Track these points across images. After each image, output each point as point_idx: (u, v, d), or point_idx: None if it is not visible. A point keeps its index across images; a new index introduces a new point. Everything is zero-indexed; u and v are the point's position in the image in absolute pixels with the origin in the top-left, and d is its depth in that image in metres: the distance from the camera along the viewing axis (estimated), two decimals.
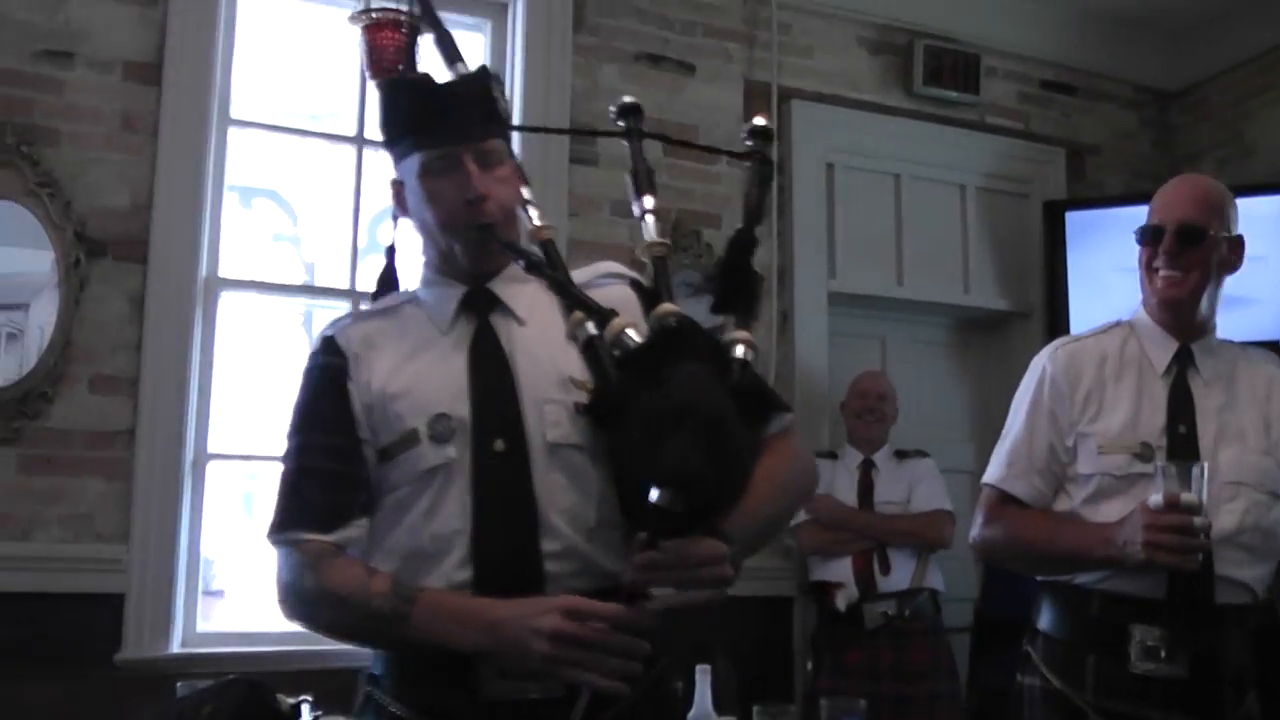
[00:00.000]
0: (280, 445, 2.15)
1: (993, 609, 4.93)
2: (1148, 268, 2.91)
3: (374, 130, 4.93)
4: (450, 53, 2.32)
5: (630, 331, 1.97)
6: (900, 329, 5.74)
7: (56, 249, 4.15)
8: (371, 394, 2.10)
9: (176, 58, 4.36)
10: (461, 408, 2.06)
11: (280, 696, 3.53)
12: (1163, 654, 2.68)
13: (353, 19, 4.31)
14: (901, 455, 4.96)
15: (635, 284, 2.25)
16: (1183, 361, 2.90)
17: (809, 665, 4.89)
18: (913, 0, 5.71)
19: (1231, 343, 3.08)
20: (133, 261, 4.26)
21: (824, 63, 5.55)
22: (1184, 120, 6.39)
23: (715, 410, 1.81)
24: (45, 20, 4.24)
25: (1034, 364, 3.06)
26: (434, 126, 2.13)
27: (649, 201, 2.17)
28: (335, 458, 2.09)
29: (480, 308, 2.17)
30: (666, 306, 2.03)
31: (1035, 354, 3.12)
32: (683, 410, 1.78)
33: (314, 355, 2.19)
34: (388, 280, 2.39)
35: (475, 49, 5.07)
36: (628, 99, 2.30)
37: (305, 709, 3.51)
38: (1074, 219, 5.75)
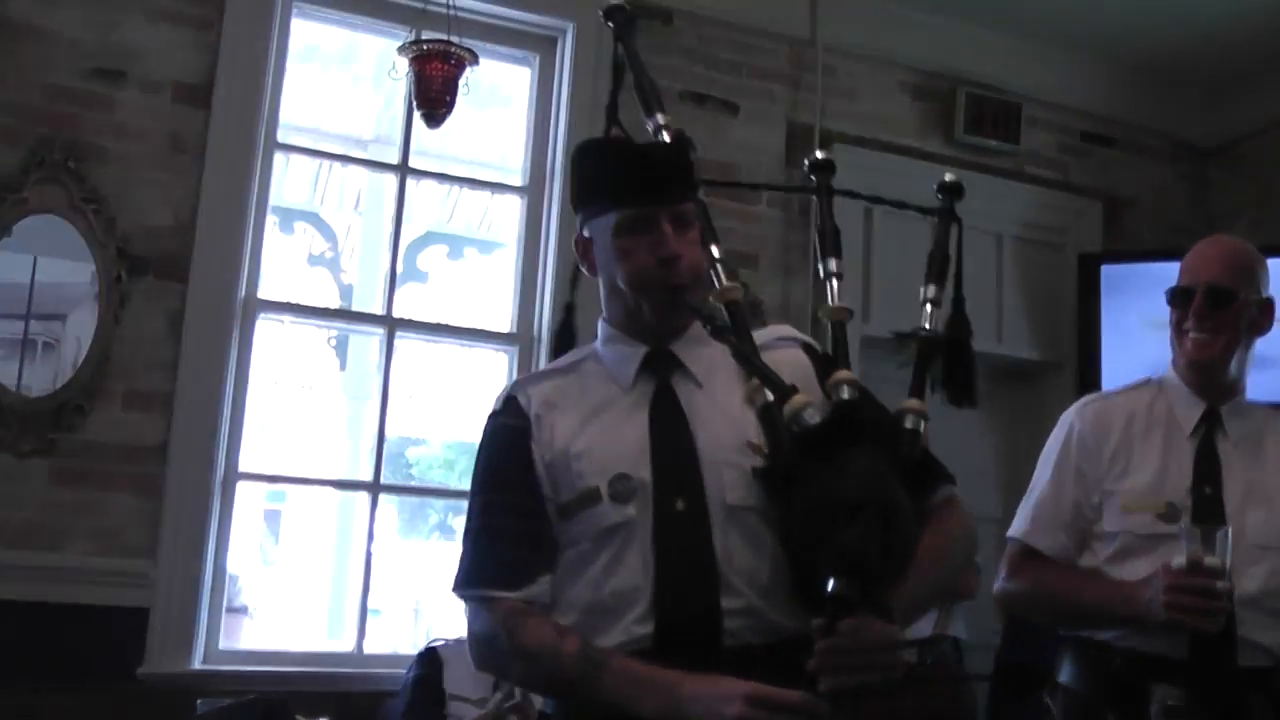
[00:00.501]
0: (465, 504, 2.22)
1: (1015, 655, 4.90)
2: (1177, 329, 2.92)
3: (417, 159, 4.97)
4: (649, 103, 2.33)
5: (809, 411, 1.98)
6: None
7: (98, 264, 4.18)
8: (554, 452, 2.15)
9: (227, 81, 4.40)
10: (642, 468, 2.10)
11: (300, 717, 3.56)
12: (1184, 714, 2.67)
13: (402, 49, 4.35)
14: None
15: (808, 348, 2.29)
16: (1210, 422, 2.90)
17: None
18: (956, 48, 5.72)
19: (1260, 405, 3.08)
20: (173, 280, 4.28)
21: (866, 107, 5.57)
22: (1221, 177, 6.37)
23: (890, 500, 1.85)
24: (99, 39, 4.28)
25: (1062, 419, 3.07)
26: (633, 186, 2.16)
27: (833, 264, 2.19)
28: (520, 517, 2.14)
29: (661, 369, 2.21)
30: (843, 374, 2.06)
31: (1065, 405, 3.14)
32: (861, 502, 1.82)
33: (495, 415, 2.26)
34: (566, 337, 2.49)
35: (522, 83, 5.11)
36: (820, 154, 2.34)
37: None
38: (1109, 272, 5.74)
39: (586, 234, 2.27)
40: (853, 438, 1.93)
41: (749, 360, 2.09)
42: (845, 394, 2.01)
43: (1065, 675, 2.94)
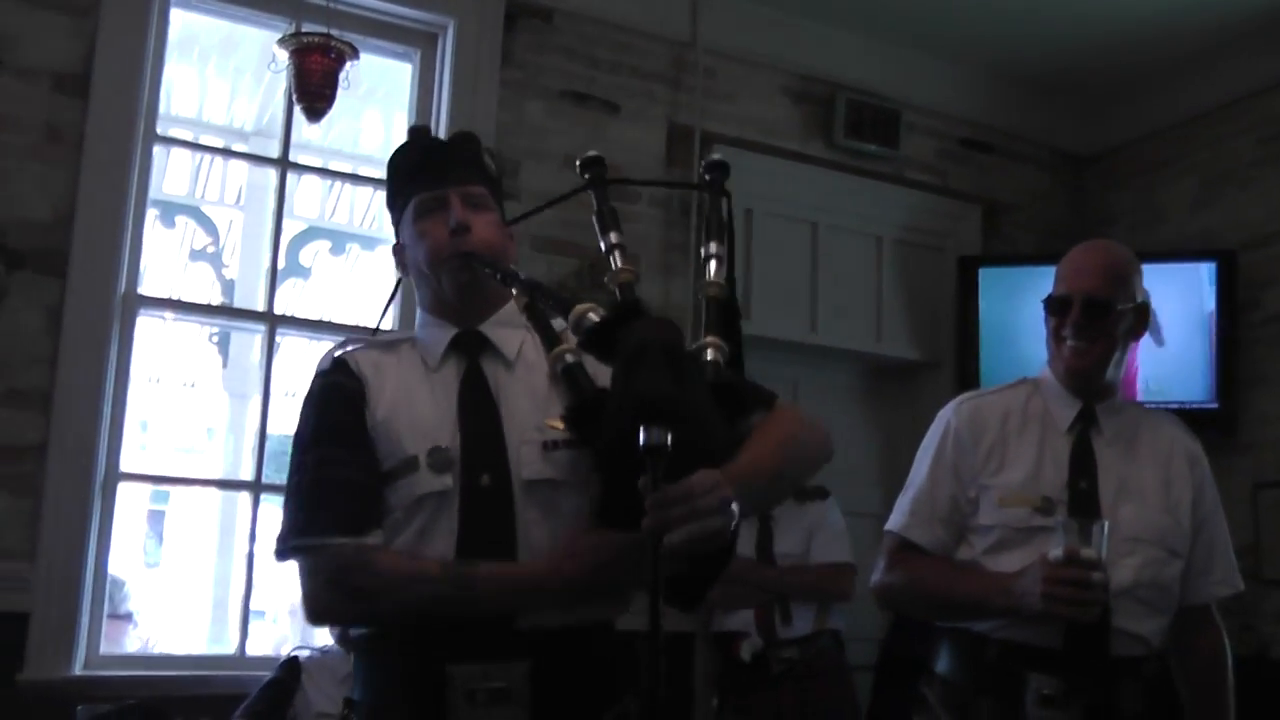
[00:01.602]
0: (290, 459, 2.20)
1: (900, 646, 4.96)
2: (1055, 335, 2.97)
3: (297, 152, 4.94)
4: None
5: (592, 315, 2.00)
6: (812, 374, 5.75)
7: None
8: (378, 418, 2.20)
9: (105, 70, 4.32)
10: (454, 442, 2.16)
11: None
12: (1058, 702, 2.73)
13: (282, 42, 4.31)
14: (801, 496, 4.91)
15: None
16: (1086, 420, 2.96)
17: (714, 702, 4.91)
18: (836, 53, 5.77)
19: (1135, 404, 3.17)
20: (51, 275, 4.20)
21: (747, 109, 5.61)
22: (1097, 184, 6.51)
23: (673, 341, 1.85)
24: None
25: (939, 416, 3.11)
26: (423, 171, 2.31)
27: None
28: (358, 469, 2.16)
29: (471, 349, 2.27)
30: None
31: (943, 404, 3.18)
32: (640, 345, 1.83)
33: (325, 374, 2.28)
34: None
35: (403, 79, 5.09)
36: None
37: None
38: (987, 274, 5.84)
39: (399, 241, 2.38)
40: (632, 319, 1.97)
41: (537, 293, 2.17)
42: (630, 298, 2.10)
43: (942, 665, 2.98)
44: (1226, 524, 3.06)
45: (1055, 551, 2.63)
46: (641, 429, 1.75)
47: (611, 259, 2.24)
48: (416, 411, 2.20)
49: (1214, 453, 3.14)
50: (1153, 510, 2.90)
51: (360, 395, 2.22)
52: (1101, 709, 2.76)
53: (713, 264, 2.23)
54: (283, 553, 2.15)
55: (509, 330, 2.28)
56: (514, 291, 2.24)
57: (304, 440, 2.22)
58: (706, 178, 2.37)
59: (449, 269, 2.24)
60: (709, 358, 2.07)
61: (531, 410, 2.18)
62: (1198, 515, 2.97)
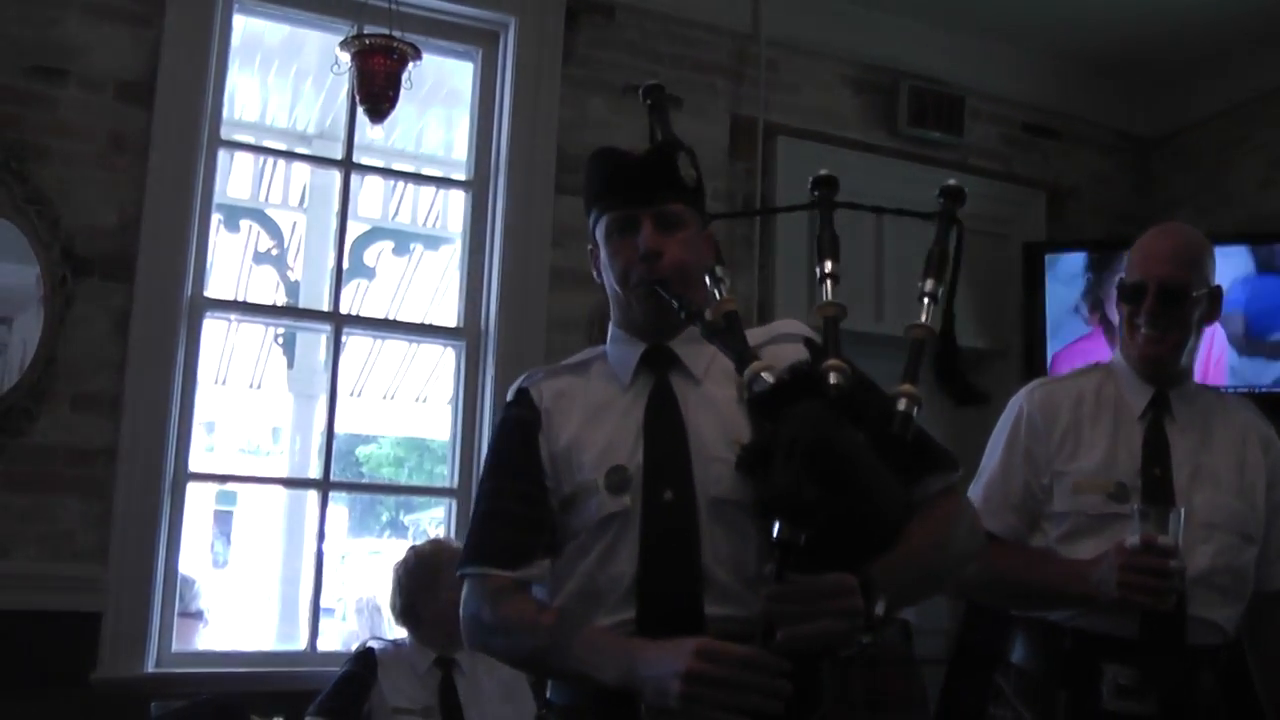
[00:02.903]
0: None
1: (975, 636, 4.92)
2: (1129, 323, 2.95)
3: (360, 153, 4.96)
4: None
5: (765, 374, 2.00)
6: (879, 364, 5.58)
7: (42, 265, 4.12)
8: (558, 447, 2.25)
9: (169, 78, 4.35)
10: (636, 460, 2.17)
11: (254, 717, 3.54)
12: (1135, 693, 2.71)
13: (344, 44, 4.32)
14: None
15: (809, 342, 2.31)
16: (1159, 406, 2.93)
17: None
18: (898, 42, 5.73)
19: (1209, 388, 3.13)
20: (118, 280, 4.23)
21: (810, 100, 5.58)
22: (1163, 167, 6.42)
23: (824, 441, 1.82)
24: (38, 36, 4.23)
25: (1011, 403, 3.09)
26: (618, 190, 2.28)
27: (829, 266, 2.21)
28: (522, 502, 2.24)
29: (659, 365, 2.29)
30: (833, 362, 2.06)
31: (1011, 392, 3.16)
32: (790, 442, 1.81)
33: (509, 406, 2.37)
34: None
35: (465, 78, 5.10)
36: (824, 172, 2.36)
37: None
38: (1053, 260, 5.79)
39: (592, 244, 2.38)
40: (802, 395, 1.94)
41: (715, 334, 2.13)
42: (833, 379, 2.01)
43: (1017, 655, 2.97)
44: None
45: (1132, 539, 2.62)
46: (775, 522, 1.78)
47: (822, 289, 2.20)
48: (601, 433, 2.23)
49: None
50: (1227, 495, 2.87)
51: (536, 426, 2.28)
52: (1178, 698, 2.74)
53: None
54: (459, 572, 2.25)
55: (699, 346, 2.27)
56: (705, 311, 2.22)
57: (485, 472, 2.36)
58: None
59: (638, 295, 2.25)
60: (901, 408, 2.03)
61: (720, 427, 2.16)
62: (1272, 499, 2.95)
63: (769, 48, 5.44)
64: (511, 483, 2.27)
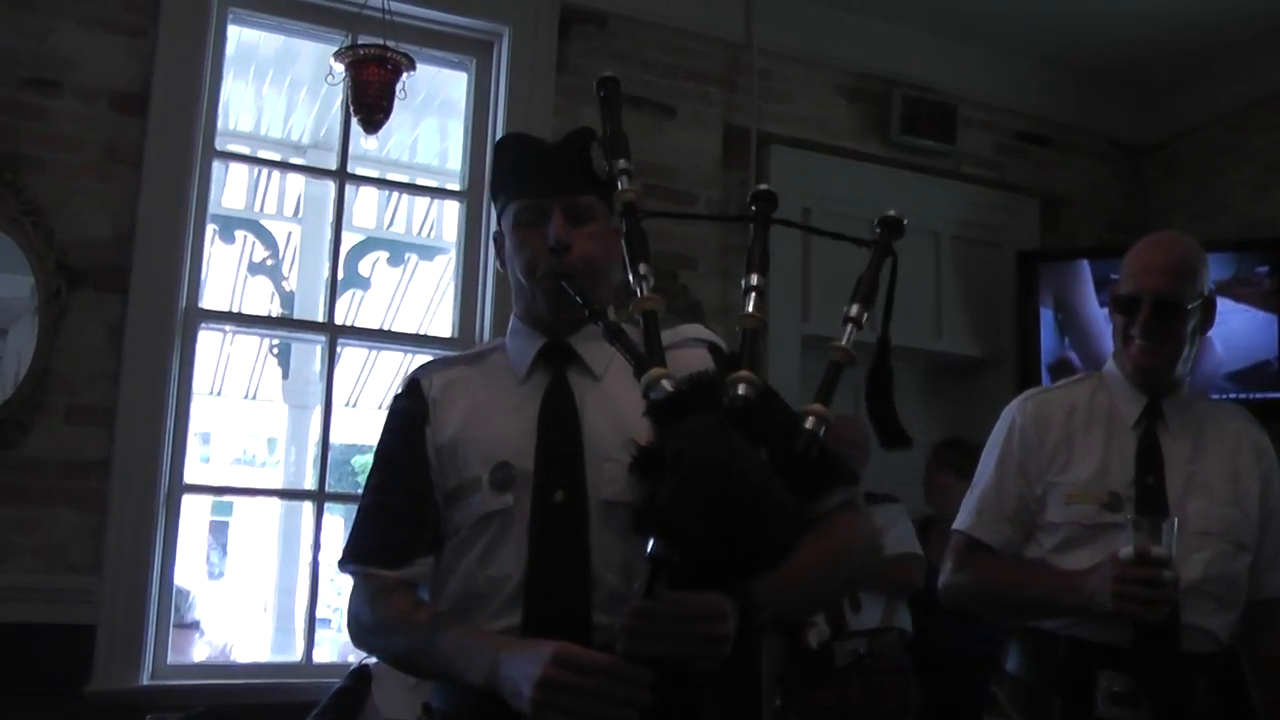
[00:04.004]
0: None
1: (927, 647, 4.94)
2: (1123, 334, 2.94)
3: (355, 163, 4.96)
4: (614, 149, 2.31)
5: (665, 383, 1.91)
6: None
7: (37, 277, 4.13)
8: (444, 439, 2.20)
9: (163, 89, 4.35)
10: (526, 458, 2.12)
11: None
12: (1129, 700, 2.71)
13: (338, 55, 4.33)
14: (872, 499, 4.92)
15: (714, 348, 2.29)
16: (1152, 415, 2.93)
17: (777, 702, 4.90)
18: (891, 51, 5.75)
19: (1202, 396, 3.14)
20: (113, 291, 4.23)
21: (803, 109, 5.59)
22: (1156, 175, 6.45)
23: (710, 458, 1.74)
24: (32, 47, 4.23)
25: (1004, 414, 3.09)
26: (528, 178, 2.23)
27: (755, 279, 2.13)
28: (406, 498, 2.19)
29: (558, 361, 2.23)
30: (743, 373, 1.97)
31: (1004, 400, 3.16)
32: (676, 457, 1.75)
33: (398, 397, 2.31)
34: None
35: (459, 88, 5.11)
36: (763, 187, 2.28)
37: None
38: (1047, 269, 5.80)
39: (499, 230, 2.32)
40: (702, 408, 1.85)
41: (617, 338, 2.04)
42: (740, 390, 1.93)
43: (1012, 664, 2.97)
44: None
45: (1125, 550, 2.60)
46: (651, 538, 1.73)
47: (746, 300, 2.11)
48: (491, 428, 2.18)
49: None
50: (1220, 504, 2.87)
51: (423, 418, 2.23)
52: (1172, 706, 2.74)
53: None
54: (341, 569, 2.22)
55: (600, 343, 2.14)
56: (611, 307, 2.18)
57: (373, 463, 2.30)
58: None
59: (543, 289, 2.20)
60: (809, 426, 1.95)
61: (617, 427, 2.10)
62: (1265, 507, 2.94)
63: (762, 57, 5.45)
64: (396, 477, 2.22)
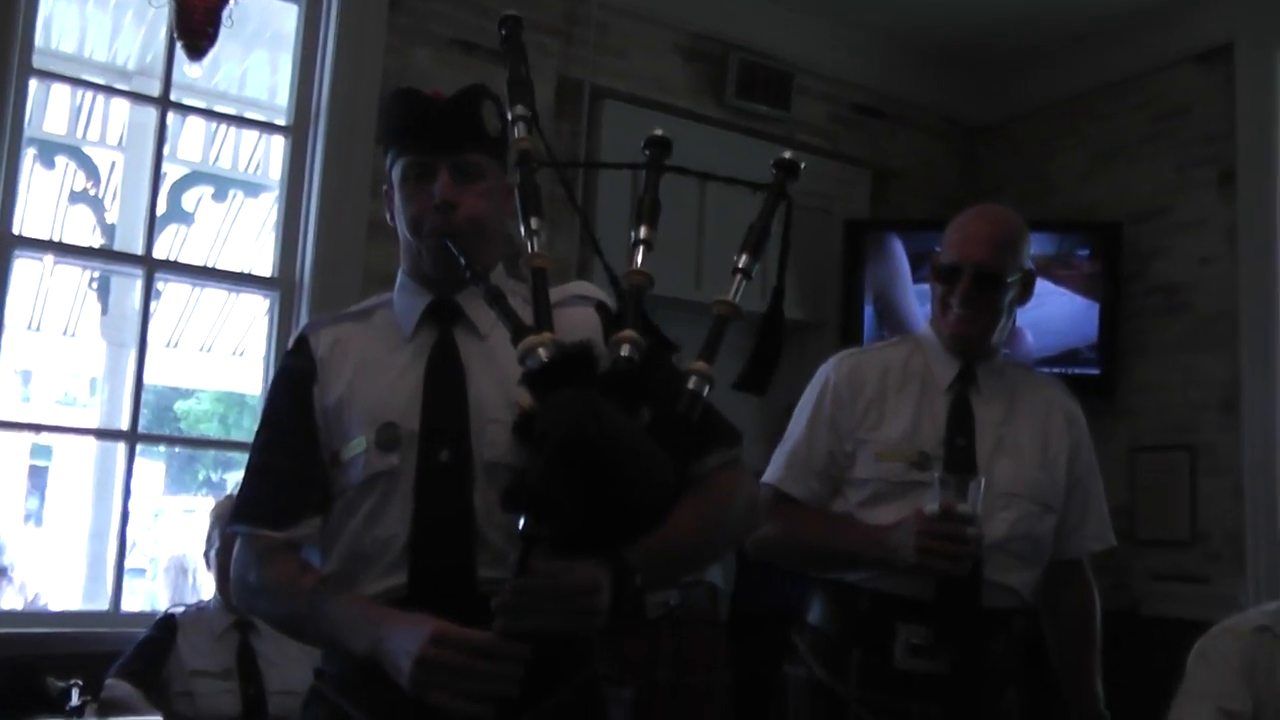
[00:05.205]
0: (234, 456, 2.22)
1: (746, 603, 4.99)
2: (942, 301, 2.98)
3: (181, 94, 4.82)
4: (516, 95, 2.25)
5: (541, 351, 1.89)
6: (697, 331, 5.61)
7: None
8: (331, 398, 2.18)
9: None
10: (411, 418, 2.10)
11: (51, 680, 3.45)
12: (927, 652, 2.77)
13: None
14: None
15: (601, 306, 2.27)
16: (966, 379, 2.98)
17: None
18: (730, 14, 5.75)
19: (1018, 364, 3.20)
20: None
21: (638, 66, 5.57)
22: (990, 154, 6.58)
23: (576, 434, 1.73)
24: None
25: (819, 372, 3.12)
26: (416, 134, 2.19)
27: (644, 232, 2.13)
28: (293, 458, 2.18)
29: (444, 318, 2.21)
30: (626, 333, 1.97)
31: None
32: (545, 434, 1.75)
33: (287, 355, 2.30)
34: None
35: (288, 23, 4.99)
36: (659, 132, 2.27)
37: (74, 693, 3.45)
38: (874, 238, 5.87)
39: (387, 184, 2.28)
40: (575, 378, 1.84)
41: (496, 302, 2.02)
42: (624, 351, 1.94)
43: (813, 615, 3.00)
44: (1102, 482, 3.10)
45: (931, 505, 2.65)
46: (521, 516, 1.75)
47: (634, 255, 2.11)
48: (375, 387, 2.16)
49: (1094, 417, 3.18)
50: (1028, 466, 2.94)
51: (310, 378, 2.21)
52: (970, 659, 2.81)
53: (640, 250, 2.11)
54: (228, 530, 2.20)
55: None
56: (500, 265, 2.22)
57: (259, 422, 2.30)
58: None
59: (429, 247, 2.17)
60: (691, 386, 1.97)
61: (501, 387, 2.08)
62: (1073, 472, 3.02)
63: (600, 10, 5.42)
64: (282, 436, 2.21)
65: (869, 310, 5.85)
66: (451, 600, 1.95)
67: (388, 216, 2.32)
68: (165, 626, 3.94)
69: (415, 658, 1.82)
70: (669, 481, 1.86)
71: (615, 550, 1.88)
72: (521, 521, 1.75)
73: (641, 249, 2.11)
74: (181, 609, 4.05)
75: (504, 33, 2.32)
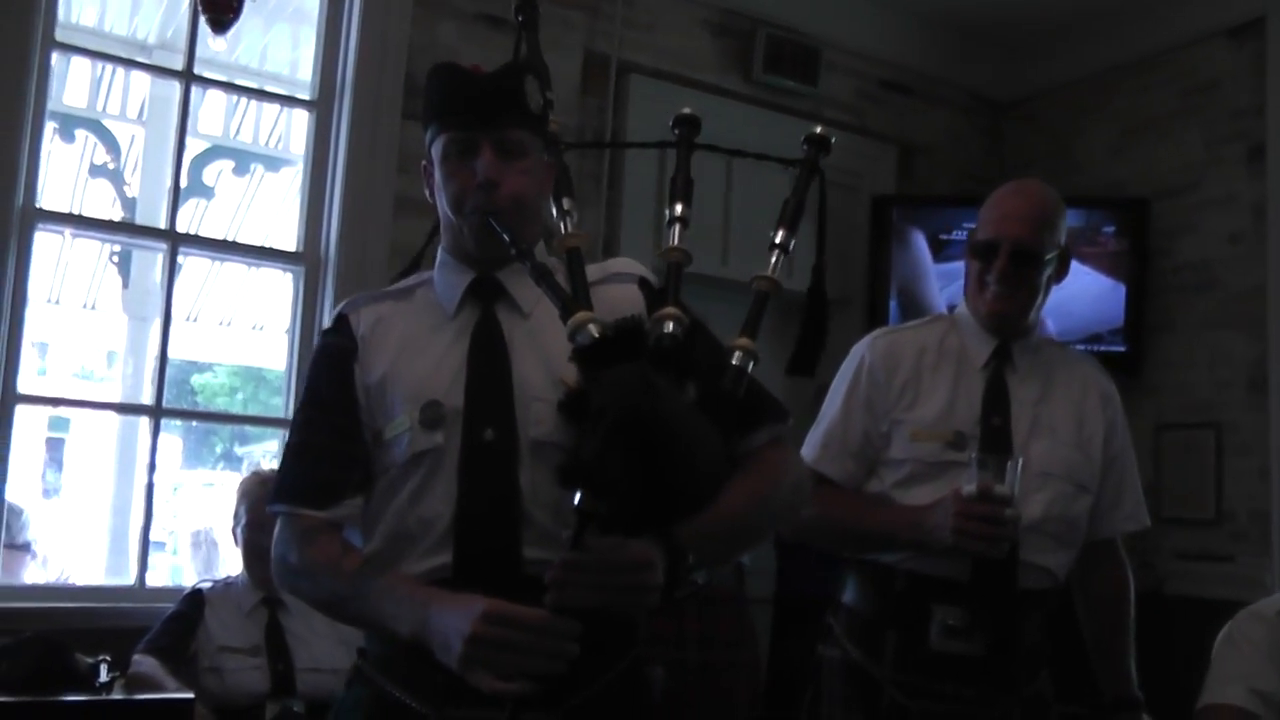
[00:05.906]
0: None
1: (790, 589, 4.98)
2: (978, 279, 2.96)
3: (203, 67, 4.80)
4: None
5: (591, 327, 1.89)
6: (724, 308, 5.54)
7: None
8: (373, 377, 2.16)
9: None
10: (455, 396, 2.08)
11: (79, 656, 3.44)
12: (963, 633, 2.76)
13: None
14: None
15: (644, 283, 2.25)
16: (1001, 357, 2.96)
17: None
18: None
19: (1053, 342, 3.19)
20: None
21: (665, 41, 5.53)
22: (1016, 130, 6.53)
23: (633, 411, 1.72)
24: None
25: (854, 351, 3.10)
26: (458, 110, 2.16)
27: (679, 209, 2.13)
28: (335, 436, 2.16)
29: (486, 297, 2.19)
30: (670, 310, 1.98)
31: (854, 340, 3.17)
32: (599, 411, 1.74)
33: (327, 333, 2.28)
34: (416, 262, 2.49)
35: None
36: (686, 111, 2.27)
37: (103, 669, 3.43)
38: (901, 214, 5.84)
39: (426, 160, 2.26)
40: (627, 354, 1.84)
41: (543, 279, 2.02)
42: (669, 329, 1.94)
43: (848, 596, 2.99)
44: (1136, 462, 3.09)
45: (968, 487, 2.64)
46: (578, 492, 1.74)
47: (670, 232, 2.12)
48: (419, 365, 2.14)
49: (1120, 394, 3.14)
50: (1064, 446, 2.92)
51: (351, 356, 2.19)
52: (1005, 640, 2.80)
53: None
54: (269, 510, 2.19)
55: (528, 278, 2.09)
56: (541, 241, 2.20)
57: (300, 401, 2.27)
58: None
59: (471, 225, 2.15)
60: (735, 362, 1.97)
61: (545, 366, 2.08)
62: (1109, 452, 3.00)
63: None
64: (324, 415, 2.19)
65: (894, 290, 5.80)
66: (496, 580, 1.93)
67: (426, 193, 2.30)
68: (193, 602, 3.93)
69: (468, 636, 1.80)
70: (721, 459, 1.85)
71: (667, 528, 1.86)
72: (577, 497, 1.74)
73: (678, 226, 2.12)
74: (209, 584, 4.04)
75: (520, 18, 2.32)
